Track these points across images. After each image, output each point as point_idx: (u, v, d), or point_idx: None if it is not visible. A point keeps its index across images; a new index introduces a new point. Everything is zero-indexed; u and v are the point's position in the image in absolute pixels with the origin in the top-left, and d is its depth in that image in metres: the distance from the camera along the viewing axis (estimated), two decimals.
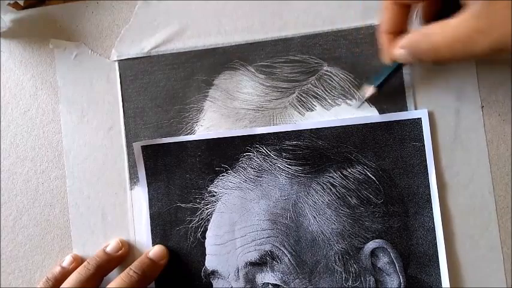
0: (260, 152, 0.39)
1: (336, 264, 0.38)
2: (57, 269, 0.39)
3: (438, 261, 0.37)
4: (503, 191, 0.38)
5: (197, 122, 0.41)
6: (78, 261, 0.39)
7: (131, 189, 0.41)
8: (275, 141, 0.39)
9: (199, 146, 0.40)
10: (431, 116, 0.39)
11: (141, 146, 0.40)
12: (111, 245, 0.39)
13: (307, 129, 0.39)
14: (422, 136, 0.38)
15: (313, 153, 0.39)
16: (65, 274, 0.38)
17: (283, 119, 0.40)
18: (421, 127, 0.38)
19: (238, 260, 0.38)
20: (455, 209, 0.38)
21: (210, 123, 0.40)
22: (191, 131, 0.40)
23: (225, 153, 0.39)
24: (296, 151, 0.39)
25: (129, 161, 0.41)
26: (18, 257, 0.41)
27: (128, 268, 0.37)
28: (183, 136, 0.40)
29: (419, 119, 0.38)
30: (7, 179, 0.42)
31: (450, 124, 0.39)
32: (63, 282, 0.37)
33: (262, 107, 0.40)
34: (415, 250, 0.38)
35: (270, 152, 0.39)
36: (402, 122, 0.38)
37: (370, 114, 0.39)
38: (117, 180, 0.41)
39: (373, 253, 0.37)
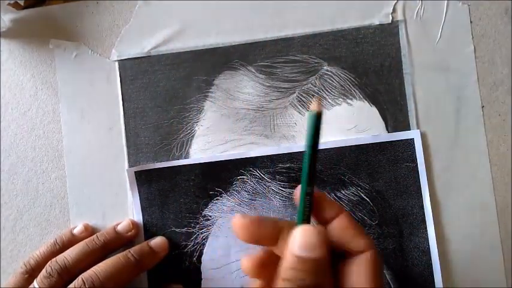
0: (254, 175, 0.39)
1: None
2: (67, 235, 0.39)
3: (434, 283, 0.37)
4: (503, 191, 0.38)
5: (197, 122, 0.41)
6: (89, 231, 0.40)
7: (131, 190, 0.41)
8: (268, 164, 0.39)
9: (193, 170, 0.40)
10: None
11: (134, 172, 0.40)
12: (123, 224, 0.39)
13: (300, 152, 0.39)
14: (415, 157, 0.38)
15: None
16: (73, 241, 0.39)
17: (283, 119, 0.40)
18: (414, 148, 0.38)
19: (234, 284, 0.39)
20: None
21: (210, 123, 0.40)
22: (191, 131, 0.40)
23: (218, 176, 0.39)
24: (290, 174, 0.39)
25: (129, 161, 0.41)
26: (18, 257, 0.41)
27: (127, 250, 0.37)
28: (176, 160, 0.40)
29: (412, 139, 0.38)
30: (7, 179, 0.42)
31: (450, 125, 0.39)
32: (68, 248, 0.37)
33: (263, 107, 0.40)
34: (410, 271, 0.38)
35: (264, 175, 0.39)
36: (395, 143, 0.39)
37: (363, 136, 0.39)
38: (117, 180, 0.41)
39: None
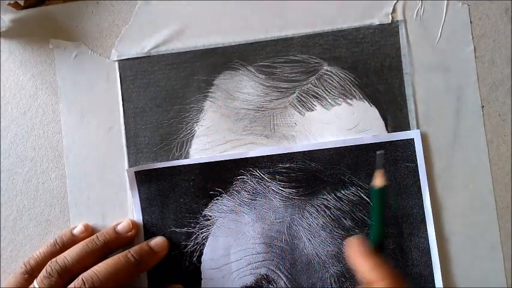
0: (254, 175, 0.39)
1: (331, 286, 0.38)
2: (67, 235, 0.39)
3: (434, 283, 0.37)
4: (503, 191, 0.38)
5: (197, 122, 0.41)
6: (89, 231, 0.40)
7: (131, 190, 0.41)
8: (268, 164, 0.39)
9: (193, 170, 0.40)
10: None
11: (134, 172, 0.40)
12: (122, 224, 0.39)
13: (299, 152, 0.39)
14: (415, 157, 0.38)
15: (307, 175, 0.39)
16: (73, 241, 0.39)
17: (283, 119, 0.40)
18: (414, 148, 0.38)
19: (234, 284, 0.39)
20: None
21: (210, 123, 0.40)
22: (191, 131, 0.41)
23: (218, 176, 0.39)
24: (289, 174, 0.39)
25: (129, 161, 0.41)
26: (18, 257, 0.41)
27: (127, 251, 0.37)
28: (176, 160, 0.40)
29: (412, 139, 0.38)
30: (7, 179, 0.42)
31: (450, 125, 0.39)
32: (68, 248, 0.37)
33: (263, 107, 0.40)
34: (410, 271, 0.38)
35: (264, 174, 0.39)
36: (395, 142, 0.38)
37: (363, 136, 0.39)
38: (117, 180, 0.41)
39: None
